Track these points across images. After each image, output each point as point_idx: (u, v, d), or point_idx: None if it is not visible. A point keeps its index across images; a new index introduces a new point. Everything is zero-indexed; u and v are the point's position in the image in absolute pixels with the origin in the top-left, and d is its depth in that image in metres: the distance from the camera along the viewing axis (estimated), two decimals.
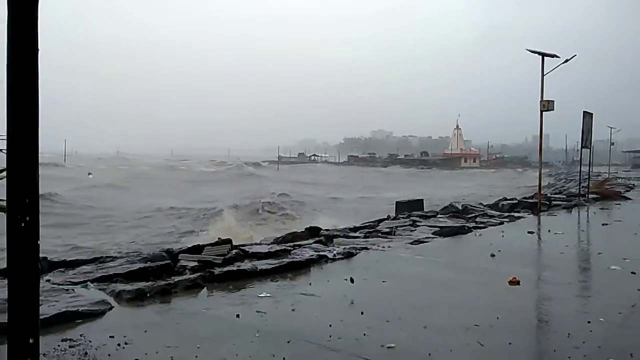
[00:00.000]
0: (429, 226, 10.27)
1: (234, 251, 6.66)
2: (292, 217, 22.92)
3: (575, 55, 14.61)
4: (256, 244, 8.18)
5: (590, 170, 19.27)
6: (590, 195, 17.53)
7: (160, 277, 5.47)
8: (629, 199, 18.32)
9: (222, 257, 6.29)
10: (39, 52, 1.72)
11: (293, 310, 4.61)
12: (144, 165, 72.68)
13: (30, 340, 1.79)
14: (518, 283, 5.66)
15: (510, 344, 3.81)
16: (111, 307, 4.51)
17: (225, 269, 5.85)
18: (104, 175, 48.82)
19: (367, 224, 11.35)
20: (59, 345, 3.56)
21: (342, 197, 33.79)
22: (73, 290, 4.88)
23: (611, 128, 41.49)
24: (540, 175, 15.35)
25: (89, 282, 5.19)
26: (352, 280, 5.64)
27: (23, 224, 1.78)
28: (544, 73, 13.72)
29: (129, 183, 41.66)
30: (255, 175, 57.27)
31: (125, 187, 38.47)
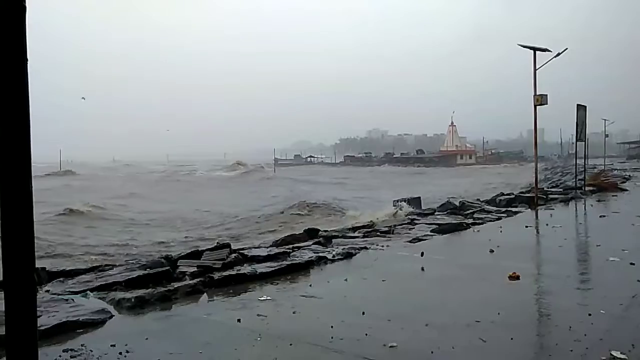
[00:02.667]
0: (427, 224, 10.29)
1: (233, 255, 6.65)
2: (342, 213, 22.40)
3: (566, 48, 14.69)
4: (255, 247, 8.17)
5: (586, 162, 19.33)
6: (587, 188, 17.59)
7: (160, 283, 5.45)
8: (626, 190, 18.39)
9: (222, 262, 6.28)
10: (28, 62, 1.70)
11: (294, 312, 4.60)
12: (157, 172, 67.76)
13: (29, 352, 1.78)
14: (518, 278, 5.67)
15: (512, 339, 3.81)
16: (111, 316, 4.49)
17: (225, 273, 5.84)
18: (125, 184, 46.03)
19: (365, 224, 11.35)
20: (60, 356, 3.54)
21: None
22: (73, 300, 4.86)
23: (605, 120, 41.76)
24: (536, 169, 15.39)
25: (88, 292, 5.17)
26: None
27: (18, 234, 1.77)
28: (537, 67, 13.78)
29: (163, 192, 38.18)
30: (277, 178, 56.49)
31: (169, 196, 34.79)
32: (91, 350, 3.65)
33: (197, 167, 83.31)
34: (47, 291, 5.27)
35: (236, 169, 74.75)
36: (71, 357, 3.54)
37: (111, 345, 3.71)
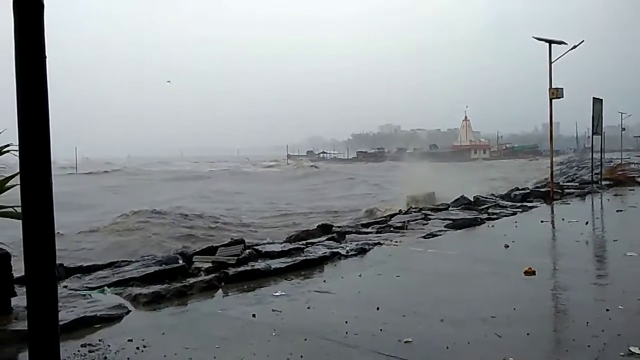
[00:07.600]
0: (441, 219, 10.22)
1: (247, 251, 6.68)
2: None
3: (582, 41, 14.47)
4: (269, 243, 8.20)
5: (602, 156, 19.06)
6: (604, 182, 17.36)
7: (175, 279, 5.50)
8: None
9: (236, 258, 6.30)
10: (47, 58, 1.72)
11: (308, 308, 4.62)
12: (221, 168, 67.70)
13: (51, 347, 1.80)
14: (534, 273, 5.62)
15: (528, 334, 3.78)
16: (128, 311, 4.54)
17: (240, 269, 5.87)
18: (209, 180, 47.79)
19: (378, 219, 11.33)
20: (78, 351, 3.59)
21: None
22: (90, 295, 4.93)
23: (622, 113, 41.06)
24: (551, 163, 15.22)
25: (105, 287, 5.24)
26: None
27: (39, 231, 1.79)
28: (552, 60, 13.60)
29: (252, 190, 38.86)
30: (326, 172, 58.40)
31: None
32: (109, 345, 3.69)
33: (227, 163, 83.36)
34: (65, 287, 5.34)
35: (282, 164, 75.68)
36: (89, 351, 3.59)
37: (128, 340, 3.75)
